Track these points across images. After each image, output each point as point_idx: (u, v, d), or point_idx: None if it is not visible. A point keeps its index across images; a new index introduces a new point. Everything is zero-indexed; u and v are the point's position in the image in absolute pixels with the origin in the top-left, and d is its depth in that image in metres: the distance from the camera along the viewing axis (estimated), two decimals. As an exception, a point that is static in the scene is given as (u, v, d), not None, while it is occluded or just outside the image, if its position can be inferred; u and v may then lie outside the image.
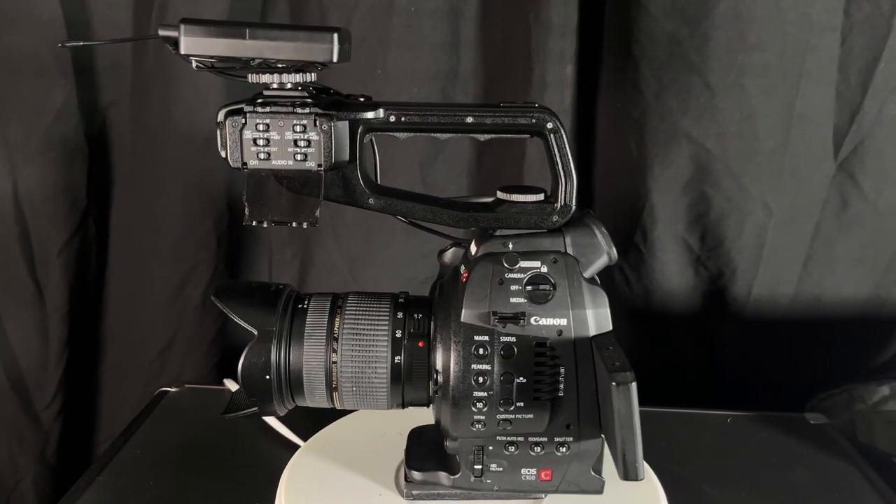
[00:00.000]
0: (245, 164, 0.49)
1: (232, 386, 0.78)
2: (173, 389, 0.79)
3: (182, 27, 0.45)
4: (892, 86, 0.78)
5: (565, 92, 0.83)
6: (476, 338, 0.50)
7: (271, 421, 0.71)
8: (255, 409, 0.54)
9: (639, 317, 0.88)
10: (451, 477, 0.55)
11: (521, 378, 0.50)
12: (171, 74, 0.83)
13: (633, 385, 0.45)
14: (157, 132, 0.86)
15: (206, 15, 0.80)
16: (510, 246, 0.52)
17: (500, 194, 0.53)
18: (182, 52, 0.46)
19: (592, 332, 0.50)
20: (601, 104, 0.85)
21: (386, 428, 0.64)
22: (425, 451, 0.57)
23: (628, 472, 0.46)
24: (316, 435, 0.65)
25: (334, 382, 0.53)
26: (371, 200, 0.53)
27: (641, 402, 0.75)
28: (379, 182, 0.55)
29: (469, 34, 0.84)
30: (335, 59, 0.46)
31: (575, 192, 0.51)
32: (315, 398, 0.54)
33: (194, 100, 0.84)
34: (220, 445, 0.69)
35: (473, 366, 0.50)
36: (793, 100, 0.78)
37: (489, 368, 0.50)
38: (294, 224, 0.49)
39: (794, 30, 0.75)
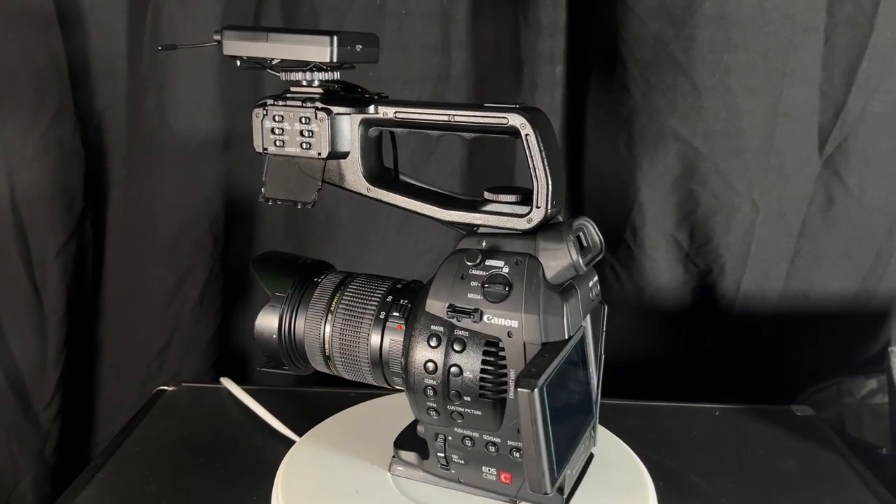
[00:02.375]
0: (265, 149, 0.56)
1: (229, 385, 0.79)
2: (171, 388, 0.80)
3: (223, 32, 0.53)
4: (876, 84, 0.79)
5: (555, 92, 0.84)
6: (433, 327, 0.52)
7: (267, 417, 0.72)
8: (271, 362, 0.60)
9: (629, 313, 0.89)
10: (423, 461, 0.56)
11: (469, 373, 0.51)
12: (166, 78, 0.84)
13: (534, 393, 0.43)
14: (153, 135, 0.87)
15: (201, 16, 0.82)
16: (483, 244, 0.52)
17: (486, 194, 0.53)
18: (224, 53, 0.54)
19: (544, 338, 0.49)
20: (590, 104, 0.86)
21: (380, 423, 0.65)
22: (416, 433, 0.58)
23: (531, 484, 0.45)
24: (311, 430, 0.66)
25: (328, 351, 0.58)
26: (368, 190, 0.56)
27: (633, 396, 0.77)
28: (399, 173, 0.59)
29: (460, 36, 0.85)
30: (334, 60, 0.51)
31: (549, 195, 0.50)
32: (317, 363, 0.59)
33: (189, 103, 0.85)
34: (217, 442, 0.70)
35: (426, 353, 0.52)
36: (777, 98, 0.79)
37: (439, 358, 0.52)
38: (292, 203, 0.55)
39: (777, 30, 0.76)
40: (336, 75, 0.55)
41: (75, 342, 0.95)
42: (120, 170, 0.92)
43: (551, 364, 0.45)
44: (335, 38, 0.51)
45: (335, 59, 0.51)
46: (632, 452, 0.64)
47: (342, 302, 0.57)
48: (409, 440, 0.58)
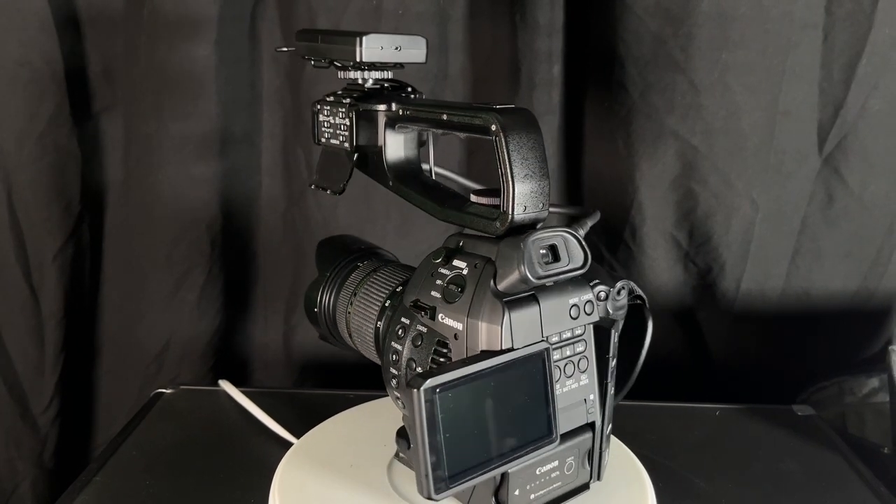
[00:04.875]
0: (320, 140, 0.60)
1: (227, 387, 0.79)
2: (169, 391, 0.80)
3: (296, 35, 0.59)
4: (875, 81, 0.79)
5: (553, 92, 0.84)
6: (402, 319, 0.53)
7: (265, 419, 0.72)
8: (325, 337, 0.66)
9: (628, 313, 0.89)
10: (408, 450, 0.56)
11: (420, 369, 0.51)
12: (162, 80, 0.84)
13: (419, 392, 0.42)
14: (150, 137, 0.87)
15: (197, 17, 0.82)
16: (460, 243, 0.52)
17: (471, 195, 0.52)
18: (297, 54, 0.59)
19: (482, 345, 0.48)
20: (589, 103, 0.86)
21: (378, 425, 0.64)
22: None
23: (417, 485, 0.44)
24: (309, 432, 0.66)
25: (350, 331, 0.62)
26: (389, 182, 0.57)
27: (632, 397, 0.76)
28: (433, 171, 0.60)
29: (457, 36, 0.85)
30: (362, 59, 0.54)
31: (513, 200, 0.47)
32: (345, 337, 0.63)
33: (186, 105, 0.85)
34: (215, 445, 0.70)
35: (393, 343, 0.53)
36: (776, 96, 0.79)
37: (400, 350, 0.53)
38: (326, 190, 0.60)
39: (776, 27, 0.76)
40: (388, 74, 0.58)
41: (73, 345, 0.95)
42: (117, 172, 0.92)
43: (457, 370, 0.44)
44: (363, 39, 0.54)
45: (363, 59, 0.54)
46: (631, 453, 0.64)
47: (364, 286, 0.60)
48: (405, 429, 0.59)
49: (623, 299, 0.54)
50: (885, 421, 0.79)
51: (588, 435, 0.53)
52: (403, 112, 0.55)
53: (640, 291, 0.55)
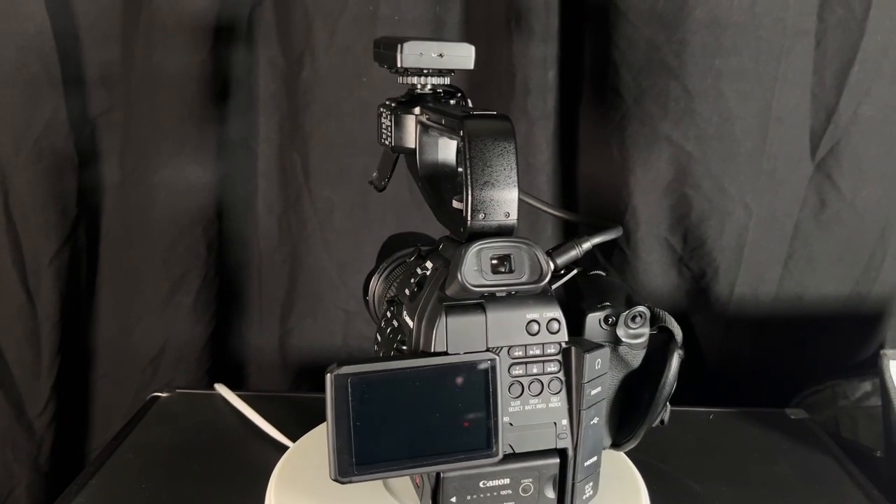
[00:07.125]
0: (380, 140, 0.62)
1: (223, 391, 0.79)
2: (165, 394, 0.80)
3: (374, 43, 0.60)
4: (867, 87, 0.80)
5: (548, 97, 0.84)
6: (387, 313, 0.56)
7: (261, 423, 0.72)
8: None
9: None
10: None
11: None
12: (159, 84, 0.84)
13: (329, 377, 0.44)
14: (147, 141, 0.87)
15: (194, 23, 0.82)
16: (440, 246, 0.52)
17: (453, 200, 0.52)
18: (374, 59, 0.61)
19: (421, 346, 0.48)
20: (583, 109, 0.86)
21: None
22: None
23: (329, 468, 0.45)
24: (305, 436, 0.66)
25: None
26: (419, 183, 0.59)
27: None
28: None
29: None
30: (402, 65, 0.55)
31: (471, 207, 0.46)
32: None
33: (183, 108, 0.85)
34: (211, 449, 0.70)
35: (377, 334, 0.57)
36: (769, 102, 0.79)
37: (379, 339, 0.56)
38: (372, 185, 0.64)
39: (768, 34, 0.77)
40: (445, 80, 0.59)
41: (69, 349, 0.94)
42: (114, 176, 0.92)
43: (376, 364, 0.45)
44: (403, 46, 0.54)
45: (404, 65, 0.55)
46: (625, 456, 0.64)
47: (397, 280, 0.62)
48: None
49: (640, 328, 0.52)
50: (878, 425, 0.80)
51: (554, 461, 0.50)
52: (426, 117, 0.56)
53: (668, 322, 0.52)
